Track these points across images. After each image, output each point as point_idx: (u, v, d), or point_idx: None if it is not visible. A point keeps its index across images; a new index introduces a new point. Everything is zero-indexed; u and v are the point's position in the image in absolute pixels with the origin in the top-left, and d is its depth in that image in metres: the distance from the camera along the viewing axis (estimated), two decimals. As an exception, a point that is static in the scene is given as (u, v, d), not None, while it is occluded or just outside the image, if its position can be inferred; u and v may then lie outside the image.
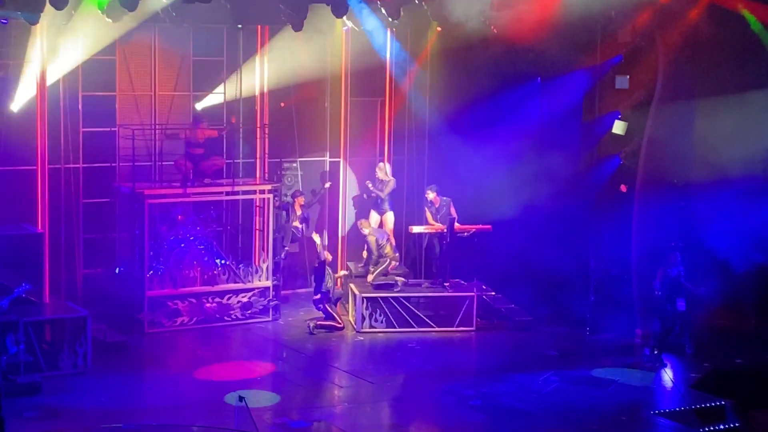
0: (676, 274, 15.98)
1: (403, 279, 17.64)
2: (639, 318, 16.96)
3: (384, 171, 18.79)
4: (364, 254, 18.16)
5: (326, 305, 17.13)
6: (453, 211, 18.14)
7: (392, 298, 17.31)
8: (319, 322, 17.08)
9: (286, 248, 18.37)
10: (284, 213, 18.40)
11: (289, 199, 18.82)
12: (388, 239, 17.80)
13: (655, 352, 15.90)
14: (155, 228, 17.09)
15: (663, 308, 16.02)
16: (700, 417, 13.92)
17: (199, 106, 18.31)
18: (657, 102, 17.79)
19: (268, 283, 17.63)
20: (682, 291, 16.01)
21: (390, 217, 18.81)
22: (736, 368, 15.72)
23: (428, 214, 18.35)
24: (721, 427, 13.68)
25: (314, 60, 19.02)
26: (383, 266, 17.53)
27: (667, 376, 15.40)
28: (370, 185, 18.77)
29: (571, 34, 18.40)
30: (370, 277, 17.55)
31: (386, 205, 18.69)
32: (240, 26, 17.85)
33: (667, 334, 16.04)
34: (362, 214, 19.15)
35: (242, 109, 18.61)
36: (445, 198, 18.26)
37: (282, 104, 18.92)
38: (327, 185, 19.22)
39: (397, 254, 17.89)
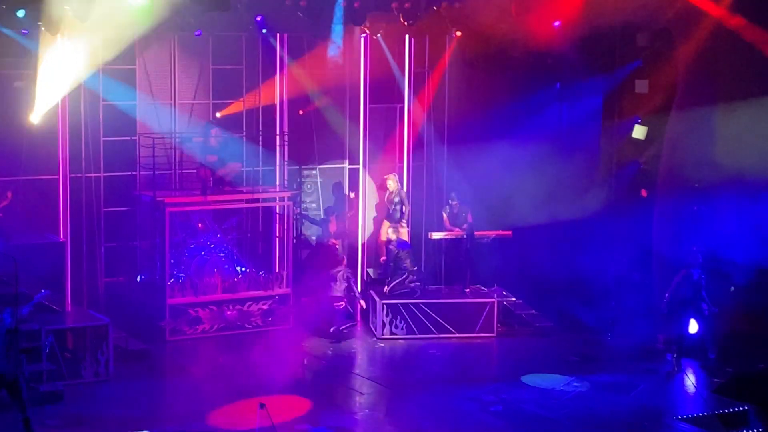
0: (698, 277, 15.88)
1: (417, 283, 17.63)
2: (661, 323, 16.87)
3: (395, 182, 18.75)
4: (382, 260, 18.23)
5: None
6: (470, 218, 18.15)
7: (412, 304, 17.31)
8: (340, 328, 17.08)
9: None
10: (319, 228, 18.58)
11: (308, 205, 18.87)
12: (408, 252, 17.77)
13: (676, 357, 15.82)
14: (176, 236, 17.15)
15: (687, 313, 15.91)
16: (722, 422, 13.86)
17: (219, 114, 18.37)
18: (677, 106, 17.73)
19: (288, 290, 17.65)
20: (706, 296, 15.90)
21: (404, 229, 18.79)
22: (758, 373, 15.64)
23: (445, 217, 18.38)
24: (744, 432, 13.64)
25: (333, 67, 19.07)
26: (400, 279, 17.50)
27: (690, 381, 15.34)
28: (392, 203, 18.79)
29: (590, 39, 18.39)
30: (386, 288, 17.56)
31: (398, 215, 18.69)
32: (264, 30, 17.89)
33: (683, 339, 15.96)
34: (380, 220, 19.19)
35: (262, 117, 18.66)
36: (464, 206, 18.30)
37: (300, 112, 18.96)
38: (351, 195, 19.09)
39: (416, 268, 17.87)
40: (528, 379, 15.24)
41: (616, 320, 17.13)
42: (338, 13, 17.67)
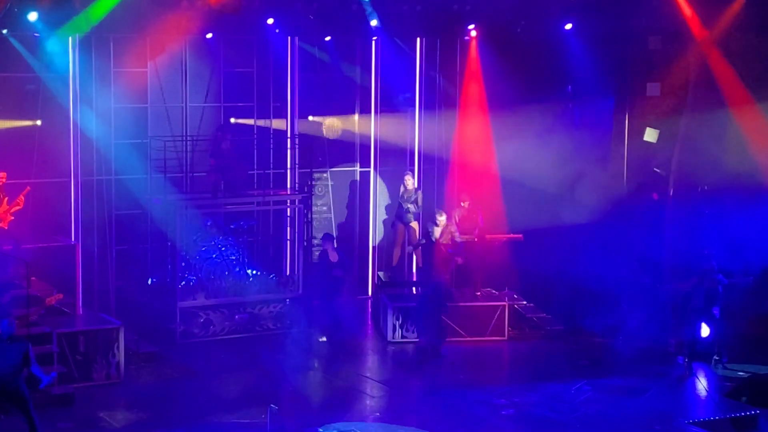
0: (713, 284, 15.81)
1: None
2: (672, 327, 16.83)
3: (412, 182, 18.78)
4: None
5: None
6: (481, 219, 18.14)
7: (423, 307, 17.29)
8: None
9: None
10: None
11: (319, 208, 18.89)
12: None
13: (687, 361, 15.77)
14: (187, 239, 17.15)
15: (699, 317, 15.85)
16: (734, 426, 13.82)
17: (233, 119, 18.39)
18: (689, 109, 17.71)
19: (299, 293, 17.64)
20: (718, 299, 15.84)
21: (416, 228, 18.82)
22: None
23: (455, 219, 18.38)
24: (756, 436, 13.60)
25: (344, 69, 19.10)
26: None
27: (701, 384, 15.29)
28: (408, 206, 18.68)
29: (602, 41, 18.39)
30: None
31: (410, 216, 18.70)
32: (277, 30, 17.93)
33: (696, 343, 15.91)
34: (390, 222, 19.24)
35: (272, 119, 18.70)
36: (476, 208, 18.30)
37: (310, 117, 18.96)
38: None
39: None
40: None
41: (619, 325, 17.03)
42: (369, 8, 17.71)
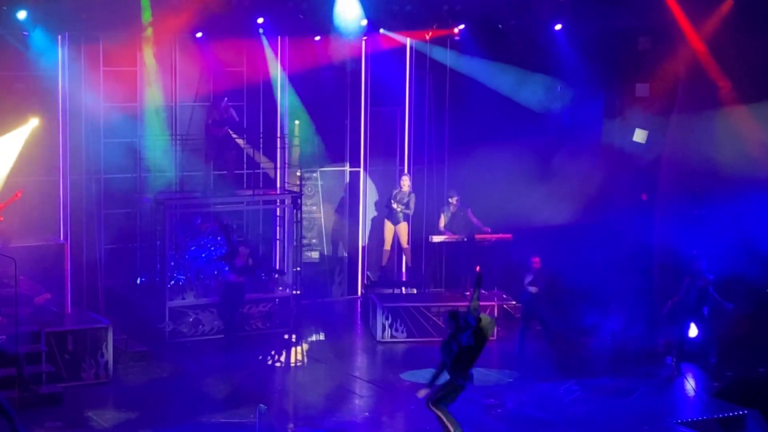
0: (704, 284, 15.84)
1: None
2: (661, 326, 16.86)
3: (408, 184, 18.78)
4: None
5: None
6: (471, 216, 18.16)
7: (412, 307, 17.31)
8: None
9: None
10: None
11: (309, 207, 18.84)
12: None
13: (676, 361, 15.81)
14: (176, 238, 17.15)
15: (689, 317, 15.88)
16: (722, 426, 13.86)
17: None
18: (678, 110, 17.74)
19: (289, 293, 17.64)
20: (708, 300, 15.87)
21: (404, 228, 18.82)
22: (759, 377, 15.63)
23: (442, 218, 18.37)
24: (744, 436, 13.64)
25: (333, 69, 19.09)
26: None
27: (690, 384, 15.33)
28: (396, 206, 18.65)
29: (592, 42, 18.43)
30: None
31: (401, 216, 18.71)
32: (261, 30, 17.92)
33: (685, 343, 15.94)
34: (380, 222, 19.23)
35: (263, 119, 18.68)
36: (463, 205, 18.32)
37: (297, 122, 18.94)
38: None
39: None
40: None
41: (608, 325, 17.02)
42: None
